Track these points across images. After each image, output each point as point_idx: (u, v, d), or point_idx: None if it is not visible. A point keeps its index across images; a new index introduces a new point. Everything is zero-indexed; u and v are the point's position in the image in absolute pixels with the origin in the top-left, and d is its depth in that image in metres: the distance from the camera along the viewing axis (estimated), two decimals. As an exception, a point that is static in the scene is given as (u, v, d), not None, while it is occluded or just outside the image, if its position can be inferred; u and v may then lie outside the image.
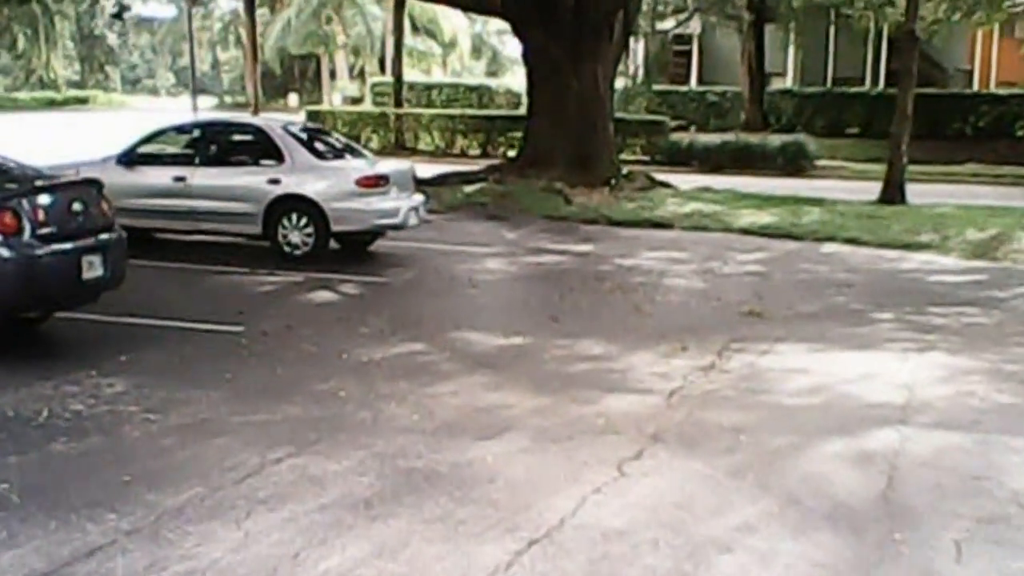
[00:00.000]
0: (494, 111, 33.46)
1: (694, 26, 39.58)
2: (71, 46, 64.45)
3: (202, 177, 11.38)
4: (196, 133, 11.95)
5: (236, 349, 7.48)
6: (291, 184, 11.15)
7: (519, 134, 29.02)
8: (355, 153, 12.22)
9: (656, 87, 37.06)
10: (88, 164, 11.67)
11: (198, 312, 8.71)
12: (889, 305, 9.84)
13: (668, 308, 9.55)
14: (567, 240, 13.85)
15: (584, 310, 9.34)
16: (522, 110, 38.49)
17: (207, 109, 62.31)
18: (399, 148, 30.13)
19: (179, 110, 39.21)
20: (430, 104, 39.34)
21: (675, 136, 28.90)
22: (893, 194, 17.35)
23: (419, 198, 12.14)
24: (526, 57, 17.84)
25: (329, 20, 53.19)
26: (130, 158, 11.67)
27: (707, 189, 18.57)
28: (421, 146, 30.39)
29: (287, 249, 11.21)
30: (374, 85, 42.29)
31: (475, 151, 29.63)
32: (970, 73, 42.92)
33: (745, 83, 37.05)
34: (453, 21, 54.29)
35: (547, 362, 7.42)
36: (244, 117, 12.50)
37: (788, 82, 41.27)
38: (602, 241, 13.95)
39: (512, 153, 29.02)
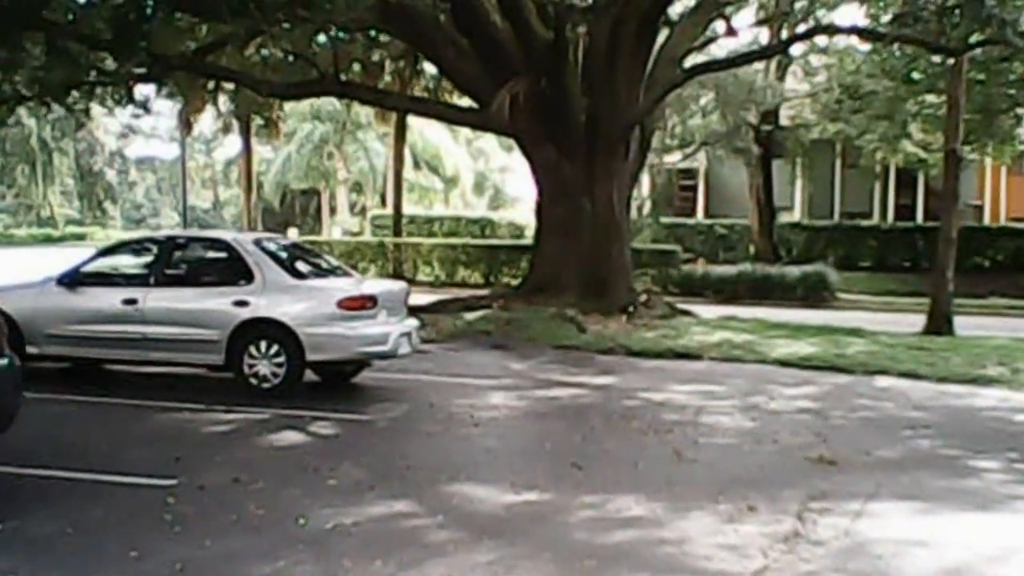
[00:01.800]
0: (497, 241, 32.16)
1: (700, 160, 38.86)
2: (71, 183, 63.95)
3: (157, 299, 9.69)
4: (154, 249, 10.31)
5: (159, 512, 5.61)
6: (260, 306, 9.46)
7: (524, 264, 27.77)
8: (340, 273, 10.56)
9: (663, 219, 35.97)
10: (24, 286, 10.07)
11: (125, 460, 6.87)
12: (986, 450, 7.99)
13: (716, 453, 7.69)
14: (583, 372, 12.06)
15: (613, 456, 7.49)
16: (526, 239, 37.52)
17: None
18: (398, 278, 28.70)
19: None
20: (431, 236, 38.20)
21: (688, 267, 27.48)
22: (940, 324, 15.68)
23: (412, 323, 10.42)
24: (536, 176, 16.42)
25: (331, 156, 52.69)
26: (73, 278, 10.02)
27: (732, 318, 16.88)
28: (421, 276, 28.97)
29: (254, 382, 9.45)
30: (374, 217, 41.30)
31: (477, 280, 28.22)
32: (980, 208, 42.03)
33: (754, 216, 36.00)
34: (456, 157, 53.87)
35: (573, 528, 5.54)
36: (211, 231, 10.76)
37: (796, 215, 40.36)
38: (623, 373, 12.17)
39: (516, 283, 27.76)
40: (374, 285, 10.17)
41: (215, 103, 27.88)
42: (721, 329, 15.11)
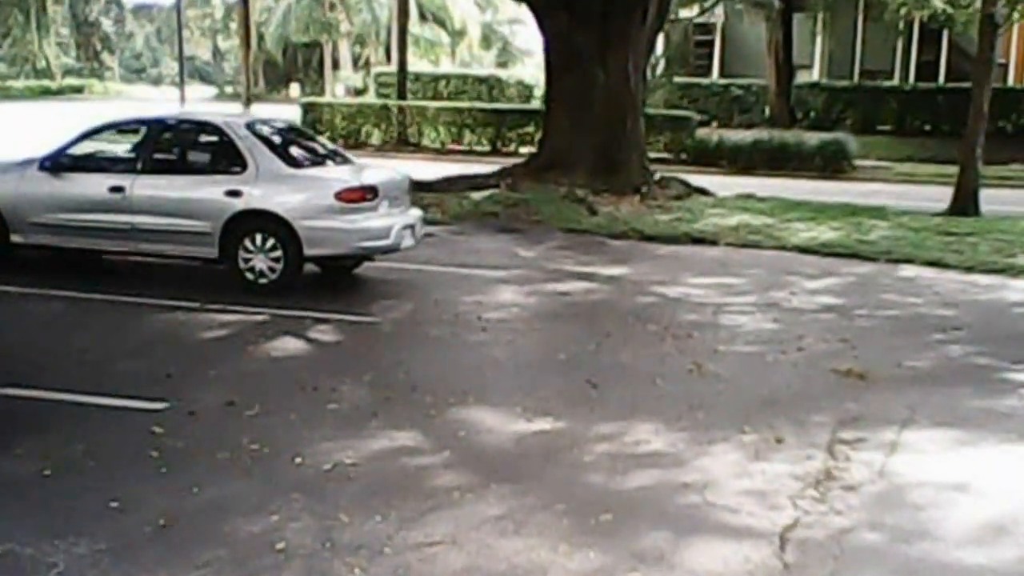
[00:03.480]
0: (504, 105, 31.16)
1: (717, 15, 37.30)
2: (65, 32, 62.14)
3: (145, 187, 9.12)
4: (141, 133, 9.64)
5: (146, 447, 5.23)
6: (255, 197, 8.89)
7: (531, 129, 26.82)
8: (339, 159, 9.93)
9: (677, 79, 34.72)
10: (3, 169, 9.50)
11: (112, 377, 6.47)
12: (1022, 359, 7.58)
13: (738, 364, 7.28)
14: (595, 260, 11.58)
15: (629, 370, 7.08)
16: (535, 103, 36.31)
17: (206, 100, 60.19)
18: (402, 143, 27.93)
19: (169, 101, 36.92)
20: (436, 96, 37.05)
21: (702, 133, 26.58)
22: (966, 204, 15.05)
23: (416, 213, 9.87)
24: (545, 44, 15.48)
25: (333, 7, 50.89)
26: (57, 162, 9.42)
27: (750, 196, 16.24)
28: (425, 142, 28.15)
29: (250, 277, 8.97)
30: (378, 75, 40.04)
31: (484, 147, 27.43)
32: (1005, 67, 40.53)
33: (772, 76, 34.74)
34: (463, 8, 51.98)
35: (588, 470, 5.15)
36: (201, 113, 10.11)
37: (815, 75, 39.04)
38: (637, 261, 11.69)
39: (525, 151, 26.94)
40: (375, 174, 9.54)
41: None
42: (739, 211, 14.52)
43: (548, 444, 5.50)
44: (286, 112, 31.34)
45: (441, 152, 27.31)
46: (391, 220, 9.23)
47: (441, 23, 50.98)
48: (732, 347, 7.78)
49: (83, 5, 60.24)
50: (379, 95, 37.84)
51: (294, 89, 59.73)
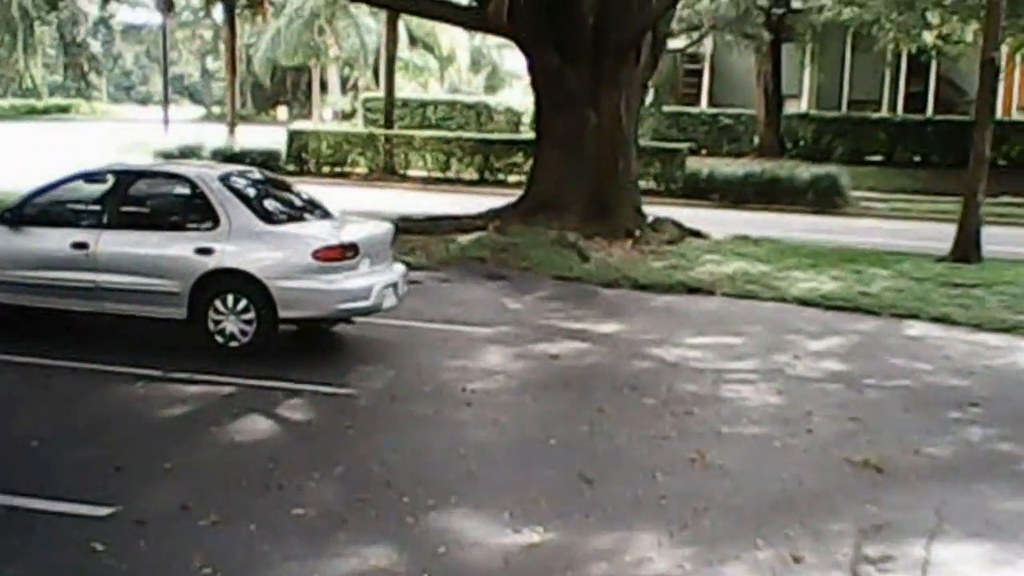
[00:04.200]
0: (492, 135, 30.67)
1: (706, 44, 37.05)
2: (52, 52, 61.54)
3: (110, 243, 8.54)
4: (108, 183, 9.06)
5: (80, 569, 4.63)
6: (227, 255, 8.33)
7: (520, 159, 26.39)
8: (319, 212, 9.35)
9: (665, 108, 34.40)
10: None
11: (54, 470, 5.86)
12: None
13: (744, 452, 6.72)
14: (587, 314, 11.04)
15: (626, 458, 6.51)
16: (523, 129, 35.94)
17: (192, 120, 59.59)
18: (388, 173, 27.42)
19: (154, 121, 36.26)
20: (424, 122, 36.62)
21: (692, 164, 26.14)
22: (967, 250, 14.58)
23: (399, 269, 9.32)
24: (535, 83, 14.97)
25: (322, 31, 50.40)
26: (18, 215, 8.84)
27: (746, 239, 15.73)
28: (412, 171, 27.65)
29: (220, 340, 8.40)
30: (366, 100, 39.63)
31: (471, 175, 26.94)
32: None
33: (760, 105, 34.55)
34: (452, 34, 51.56)
35: (585, 599, 4.57)
36: (173, 164, 9.58)
37: (803, 104, 38.90)
38: (630, 315, 11.17)
39: (513, 180, 26.42)
40: (355, 230, 8.98)
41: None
42: (735, 257, 14.01)
43: (539, 564, 4.92)
44: (272, 135, 30.95)
45: (428, 182, 26.82)
46: (372, 279, 8.67)
47: (430, 48, 50.61)
48: (736, 428, 7.22)
49: (71, 26, 59.56)
50: (367, 120, 37.39)
51: (282, 111, 59.30)
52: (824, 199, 23.82)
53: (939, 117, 35.16)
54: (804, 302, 11.82)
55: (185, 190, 8.81)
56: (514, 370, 8.65)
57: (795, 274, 13.12)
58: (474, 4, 15.03)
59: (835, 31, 34.66)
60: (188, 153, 27.96)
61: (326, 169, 27.81)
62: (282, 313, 8.34)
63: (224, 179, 8.79)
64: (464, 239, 13.66)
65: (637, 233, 14.06)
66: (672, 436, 6.95)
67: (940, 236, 17.54)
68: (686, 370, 8.84)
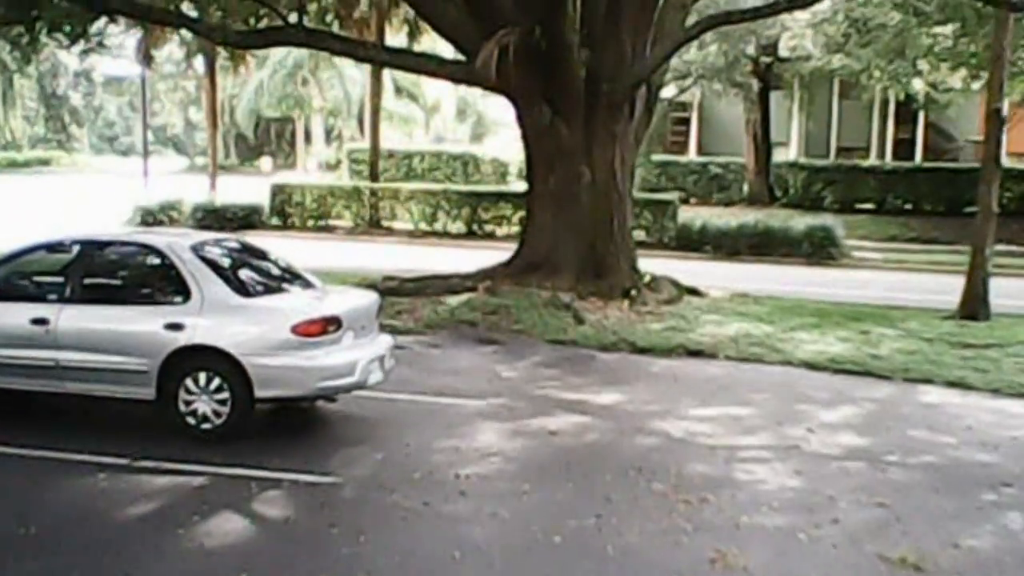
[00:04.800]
0: (480, 187, 30.29)
1: (694, 93, 36.89)
2: (33, 105, 61.13)
3: (73, 318, 7.93)
4: (71, 254, 8.45)
5: None
6: (199, 330, 7.72)
7: (508, 212, 25.93)
8: (299, 282, 8.75)
9: (654, 157, 34.13)
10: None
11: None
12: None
13: (767, 549, 6.09)
14: (584, 382, 10.44)
15: (639, 561, 5.87)
16: (511, 179, 35.53)
17: (176, 172, 59.07)
18: (374, 226, 26.93)
19: (135, 173, 35.54)
20: (410, 173, 36.24)
21: (683, 214, 25.73)
22: (975, 307, 14.07)
23: (386, 341, 8.71)
24: (526, 138, 14.48)
25: (305, 82, 50.15)
26: (-25, 288, 8.23)
27: (745, 296, 15.21)
28: (398, 224, 27.16)
29: (192, 422, 7.78)
30: (350, 152, 39.26)
31: (459, 229, 26.45)
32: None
33: (750, 153, 34.33)
34: (437, 84, 51.37)
35: None
36: (142, 233, 8.97)
37: (792, 152, 38.77)
38: (630, 382, 10.58)
39: (502, 233, 25.91)
40: (338, 302, 8.37)
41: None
42: (736, 317, 13.45)
43: None
44: (255, 187, 30.38)
45: (414, 236, 26.30)
46: (356, 354, 8.06)
47: (415, 98, 50.41)
48: (756, 518, 6.60)
49: (51, 79, 59.23)
50: (352, 171, 36.96)
51: (265, 162, 58.94)
52: (819, 250, 23.39)
53: (929, 164, 35.04)
54: (812, 366, 11.27)
55: (154, 261, 8.21)
56: (511, 451, 8.02)
57: (800, 335, 12.57)
58: (462, 58, 14.56)
59: (821, 79, 34.58)
60: (167, 208, 27.48)
61: (310, 223, 27.31)
62: (259, 392, 7.72)
63: (196, 249, 8.19)
64: (453, 301, 13.07)
65: (634, 293, 13.49)
66: (688, 530, 6.32)
67: (940, 289, 17.13)
68: (695, 447, 8.23)
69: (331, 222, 27.36)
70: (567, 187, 13.77)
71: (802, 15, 31.56)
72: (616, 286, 13.55)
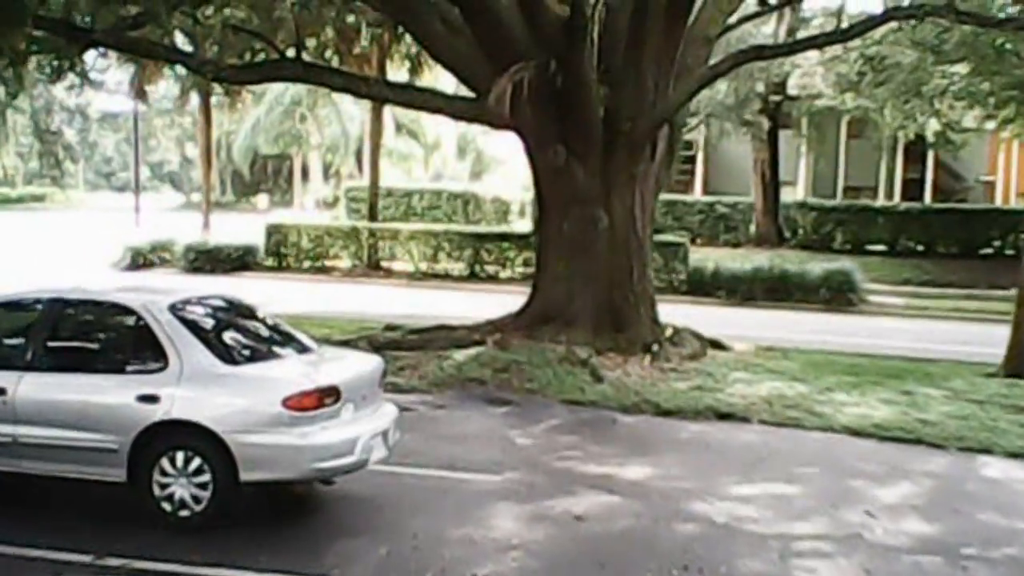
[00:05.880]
0: (482, 227, 29.43)
1: (699, 131, 36.15)
2: (26, 142, 60.38)
3: (33, 388, 6.93)
4: (33, 316, 7.44)
5: None
6: (177, 403, 6.71)
7: (512, 254, 25.00)
8: (294, 346, 7.74)
9: (660, 197, 33.21)
10: None
11: None
12: None
13: None
14: (608, 451, 9.43)
15: None
16: (513, 224, 34.65)
17: (172, 208, 58.32)
18: (372, 268, 26.01)
19: (129, 209, 34.73)
20: (410, 211, 35.42)
21: (694, 256, 24.84)
22: (1021, 365, 13.08)
23: (390, 412, 7.69)
24: (538, 180, 13.54)
25: (303, 119, 49.42)
26: (-75, 354, 7.22)
27: (772, 350, 14.23)
28: (398, 264, 26.24)
29: (168, 508, 6.75)
30: (348, 190, 38.51)
31: (460, 270, 25.55)
32: (993, 184, 39.54)
33: (758, 193, 33.52)
34: (437, 120, 50.69)
35: None
36: (115, 292, 7.91)
37: (799, 191, 38.11)
38: (659, 451, 9.56)
39: (504, 276, 24.98)
40: (337, 369, 7.36)
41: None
42: (766, 374, 12.44)
43: None
44: (251, 225, 29.49)
45: (414, 278, 25.39)
46: (357, 429, 7.05)
47: (415, 135, 49.70)
48: (830, 637, 5.57)
49: (45, 115, 58.51)
50: (350, 210, 36.13)
51: (262, 200, 58.23)
52: (837, 296, 22.50)
53: (942, 205, 34.32)
54: (856, 432, 10.27)
55: (128, 322, 7.21)
56: (533, 542, 6.97)
57: (838, 396, 11.56)
58: (468, 93, 13.66)
59: (829, 117, 33.92)
60: (158, 248, 26.62)
61: (307, 264, 26.41)
62: (244, 475, 6.69)
63: (175, 308, 7.19)
64: (460, 356, 12.05)
65: (655, 348, 12.47)
66: (752, 655, 5.29)
67: (968, 339, 16.28)
68: (743, 536, 7.20)
69: (328, 263, 26.48)
70: (583, 233, 12.79)
71: (813, 53, 30.93)
72: (636, 340, 12.54)
